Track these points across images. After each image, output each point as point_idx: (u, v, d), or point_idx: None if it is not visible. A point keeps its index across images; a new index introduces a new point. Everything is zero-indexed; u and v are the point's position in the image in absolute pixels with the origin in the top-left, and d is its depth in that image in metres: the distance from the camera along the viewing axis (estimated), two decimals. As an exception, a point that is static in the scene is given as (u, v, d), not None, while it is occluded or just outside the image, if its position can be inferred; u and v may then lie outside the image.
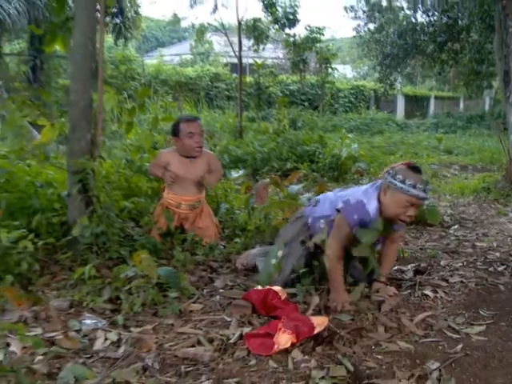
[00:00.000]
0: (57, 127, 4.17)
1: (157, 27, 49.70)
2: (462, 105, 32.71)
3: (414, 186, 3.10)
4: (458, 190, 7.65)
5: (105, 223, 3.79)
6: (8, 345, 2.56)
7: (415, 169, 3.21)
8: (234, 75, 21.88)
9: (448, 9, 23.81)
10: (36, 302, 3.05)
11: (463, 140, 16.70)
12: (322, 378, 2.33)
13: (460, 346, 2.72)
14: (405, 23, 24.43)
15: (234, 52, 12.82)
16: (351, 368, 2.41)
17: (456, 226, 5.49)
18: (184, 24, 27.74)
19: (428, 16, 25.06)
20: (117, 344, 2.69)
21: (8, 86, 14.67)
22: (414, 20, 24.93)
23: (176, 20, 15.37)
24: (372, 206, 3.24)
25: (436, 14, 24.66)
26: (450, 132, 20.99)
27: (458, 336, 2.85)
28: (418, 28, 24.61)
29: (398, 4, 25.05)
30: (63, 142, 6.43)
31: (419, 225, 5.37)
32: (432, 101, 32.35)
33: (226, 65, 26.05)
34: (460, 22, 23.65)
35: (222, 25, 14.68)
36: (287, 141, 9.57)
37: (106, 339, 2.74)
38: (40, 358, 2.49)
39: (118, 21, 19.97)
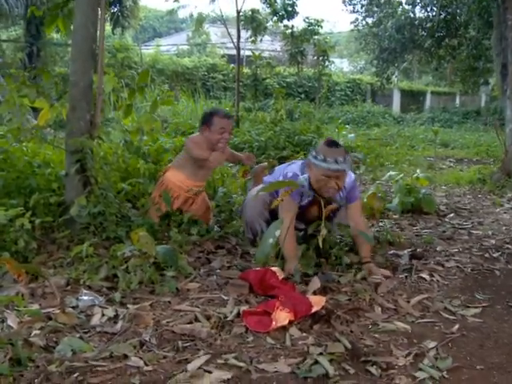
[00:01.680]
0: (56, 108, 4.17)
1: (154, 17, 49.52)
2: (458, 100, 32.76)
3: (325, 160, 3.35)
4: (453, 180, 7.71)
5: (102, 203, 3.78)
6: (3, 320, 2.55)
7: (331, 143, 3.45)
8: (232, 66, 21.83)
9: (446, 4, 23.87)
10: (36, 273, 3.04)
11: (459, 134, 16.75)
12: (320, 354, 2.33)
13: (456, 326, 2.73)
14: (403, 18, 24.42)
15: (233, 43, 12.76)
16: (349, 345, 2.42)
17: (452, 215, 5.52)
18: (182, 14, 27.65)
19: (426, 11, 25.09)
20: (114, 320, 2.69)
21: (4, 72, 14.64)
22: (412, 15, 24.96)
23: (176, 7, 15.29)
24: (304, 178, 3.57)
25: (434, 9, 24.69)
26: (446, 127, 21.04)
27: (454, 317, 2.87)
28: (416, 23, 24.62)
29: (397, -1, 25.05)
30: (58, 128, 6.43)
31: (415, 213, 5.39)
32: (428, 96, 32.40)
33: (222, 56, 26.00)
34: (458, 17, 23.68)
35: (221, 15, 14.62)
36: (284, 130, 9.56)
37: (103, 315, 2.74)
38: (37, 332, 2.50)
39: (115, 9, 19.92)
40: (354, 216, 3.73)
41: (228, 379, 2.11)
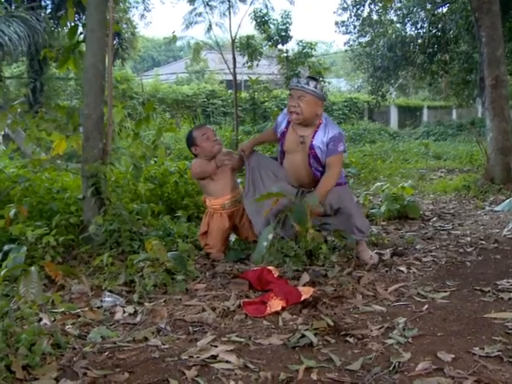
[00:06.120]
0: (71, 139, 4.69)
1: (152, 47, 50.49)
2: (454, 113, 33.21)
3: (293, 81, 4.02)
4: (440, 189, 8.19)
5: (117, 221, 4.26)
6: (40, 320, 3.02)
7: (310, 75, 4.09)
8: (230, 91, 22.43)
9: (436, 21, 24.48)
10: (71, 273, 3.48)
11: (452, 146, 17.24)
12: (307, 329, 2.81)
13: (425, 306, 3.20)
14: (394, 36, 25.01)
15: (229, 69, 13.32)
16: (331, 323, 2.89)
17: (435, 219, 5.99)
18: (179, 43, 28.29)
19: (416, 28, 25.67)
20: (134, 315, 3.16)
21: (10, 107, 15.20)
22: (403, 33, 25.55)
23: (174, 39, 15.89)
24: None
25: (424, 26, 25.30)
26: (441, 139, 21.53)
27: (424, 300, 3.33)
28: (407, 40, 25.20)
29: (388, 18, 25.65)
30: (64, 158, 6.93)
31: (401, 219, 5.87)
32: (425, 111, 32.84)
33: (221, 82, 26.63)
34: (448, 33, 24.23)
35: (217, 43, 15.21)
36: (282, 151, 10.05)
37: (124, 312, 3.21)
38: (69, 326, 2.97)
39: (115, 42, 20.57)
40: (326, 169, 4.09)
41: (231, 350, 2.60)
